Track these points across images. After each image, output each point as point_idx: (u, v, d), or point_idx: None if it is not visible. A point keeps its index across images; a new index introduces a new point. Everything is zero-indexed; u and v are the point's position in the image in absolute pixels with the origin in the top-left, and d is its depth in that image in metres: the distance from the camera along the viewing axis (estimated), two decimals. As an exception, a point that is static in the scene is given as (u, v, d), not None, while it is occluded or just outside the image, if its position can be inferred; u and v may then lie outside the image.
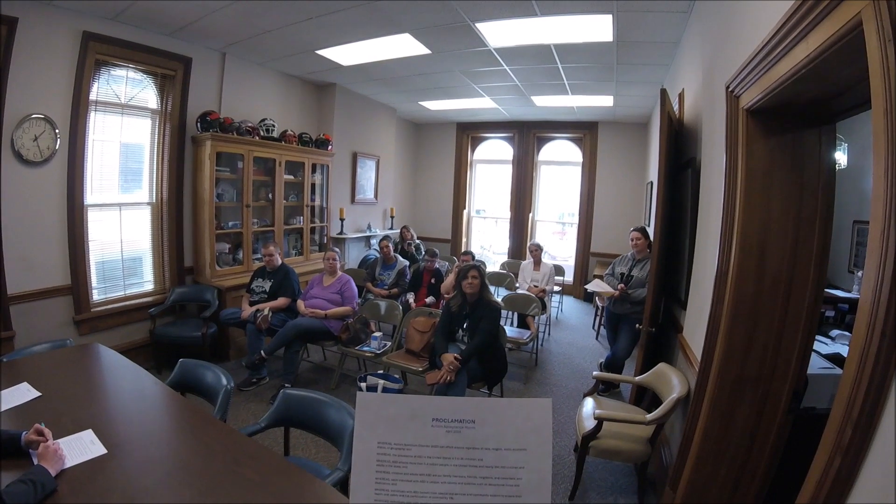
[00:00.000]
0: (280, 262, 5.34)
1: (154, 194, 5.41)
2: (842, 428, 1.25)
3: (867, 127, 1.25)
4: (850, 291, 4.11)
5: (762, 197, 2.21)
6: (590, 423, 3.15)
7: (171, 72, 5.29)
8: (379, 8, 4.38)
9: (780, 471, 2.33)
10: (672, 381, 3.19)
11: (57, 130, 4.32)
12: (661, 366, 3.50)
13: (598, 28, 4.60)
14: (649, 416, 3.00)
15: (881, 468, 1.14)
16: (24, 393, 2.40)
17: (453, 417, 1.14)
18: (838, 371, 2.63)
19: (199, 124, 5.45)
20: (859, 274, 4.11)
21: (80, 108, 4.48)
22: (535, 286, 6.70)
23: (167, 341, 5.04)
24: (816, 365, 2.66)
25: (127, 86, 5.03)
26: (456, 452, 1.12)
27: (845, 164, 4.19)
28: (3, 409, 2.21)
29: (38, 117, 4.19)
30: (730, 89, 2.39)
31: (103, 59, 4.68)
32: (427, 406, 1.16)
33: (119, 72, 4.93)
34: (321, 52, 5.83)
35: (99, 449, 1.95)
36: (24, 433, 1.87)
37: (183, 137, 5.48)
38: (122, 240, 5.19)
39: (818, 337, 3.06)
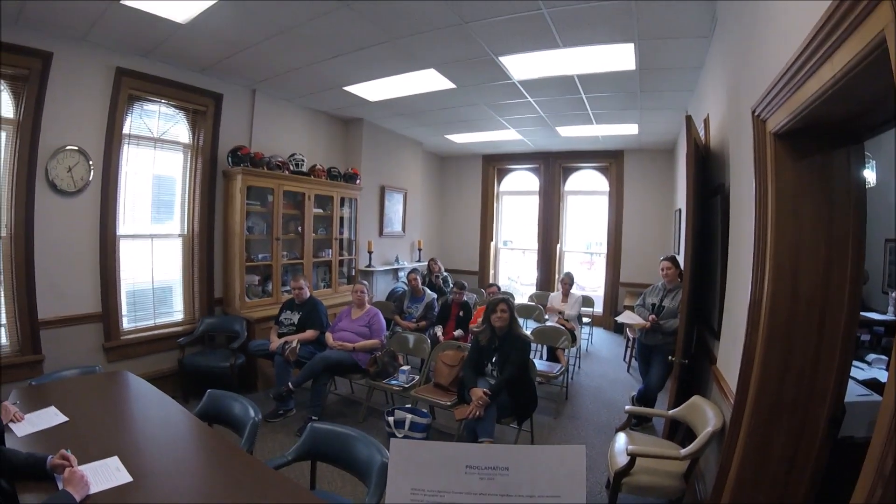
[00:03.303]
0: (308, 294, 5.36)
1: (185, 226, 5.53)
2: (883, 456, 1.19)
3: (894, 142, 1.22)
4: (885, 313, 3.97)
5: (793, 220, 2.16)
6: (622, 459, 3.04)
7: (202, 107, 5.46)
8: (404, 45, 4.48)
9: (818, 502, 2.22)
10: (706, 414, 3.09)
11: (91, 162, 4.47)
12: (695, 398, 3.39)
13: (620, 57, 4.62)
14: (683, 451, 2.89)
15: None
16: (51, 417, 2.44)
17: (487, 464, 1.13)
18: (877, 398, 2.53)
19: (230, 158, 5.59)
20: (894, 294, 3.98)
21: (113, 140, 4.64)
22: (565, 319, 6.57)
23: (195, 371, 5.06)
24: (854, 392, 2.56)
25: (159, 120, 5.19)
26: (490, 499, 1.11)
27: (874, 181, 4.08)
28: (30, 432, 2.23)
29: (72, 149, 4.34)
30: (756, 113, 2.35)
31: (136, 94, 4.85)
32: (460, 453, 1.15)
33: (152, 106, 5.10)
34: (348, 89, 5.97)
35: (124, 476, 1.95)
36: (50, 457, 1.87)
37: (214, 171, 5.62)
38: (153, 269, 5.28)
39: (854, 362, 2.95)
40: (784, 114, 2.01)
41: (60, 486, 1.77)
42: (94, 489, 1.82)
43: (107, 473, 1.94)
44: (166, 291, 5.51)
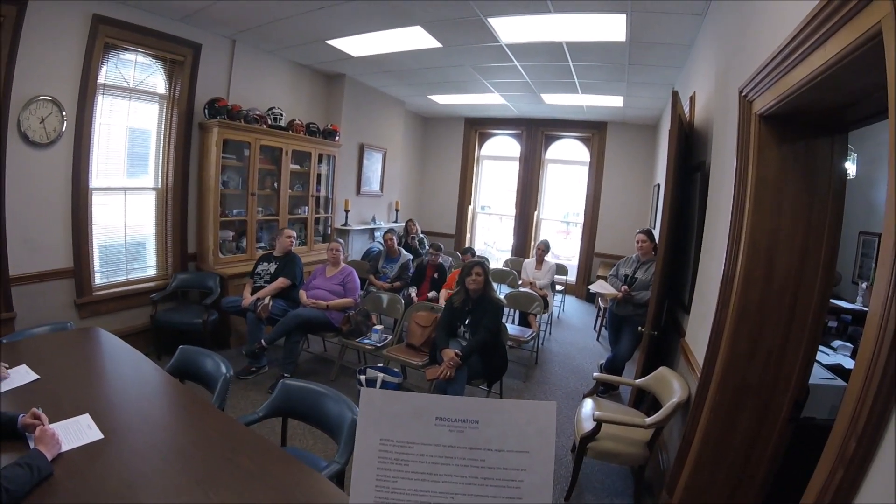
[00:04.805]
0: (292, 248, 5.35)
1: (159, 180, 5.40)
2: (845, 440, 1.24)
3: (878, 137, 1.24)
4: (853, 302, 4.10)
5: (772, 203, 2.19)
6: (588, 425, 3.13)
7: (180, 57, 5.27)
8: (391, -1, 4.36)
9: (777, 479, 2.32)
10: (673, 386, 3.18)
11: (64, 113, 4.31)
12: (662, 369, 3.49)
13: (611, 27, 4.56)
14: (649, 420, 2.99)
15: (884, 481, 1.13)
16: (22, 375, 2.40)
17: (457, 417, 1.13)
18: (840, 382, 2.63)
19: (206, 111, 5.43)
20: (863, 285, 4.11)
21: (87, 91, 4.47)
22: (535, 283, 6.63)
23: (168, 327, 5.04)
24: (818, 375, 2.66)
25: (135, 70, 5.01)
26: (458, 452, 1.12)
27: (854, 174, 4.15)
28: (1, 391, 2.20)
29: (45, 99, 4.17)
30: (743, 94, 2.36)
31: (112, 43, 4.66)
32: (431, 404, 1.15)
33: (128, 56, 4.90)
34: (332, 42, 5.81)
35: (96, 434, 1.94)
36: (21, 416, 1.86)
37: (190, 123, 5.47)
38: (126, 224, 5.18)
39: (820, 347, 3.05)
40: (771, 96, 2.02)
41: (32, 445, 1.75)
42: (65, 447, 1.81)
43: (78, 431, 1.93)
44: (139, 246, 5.41)
